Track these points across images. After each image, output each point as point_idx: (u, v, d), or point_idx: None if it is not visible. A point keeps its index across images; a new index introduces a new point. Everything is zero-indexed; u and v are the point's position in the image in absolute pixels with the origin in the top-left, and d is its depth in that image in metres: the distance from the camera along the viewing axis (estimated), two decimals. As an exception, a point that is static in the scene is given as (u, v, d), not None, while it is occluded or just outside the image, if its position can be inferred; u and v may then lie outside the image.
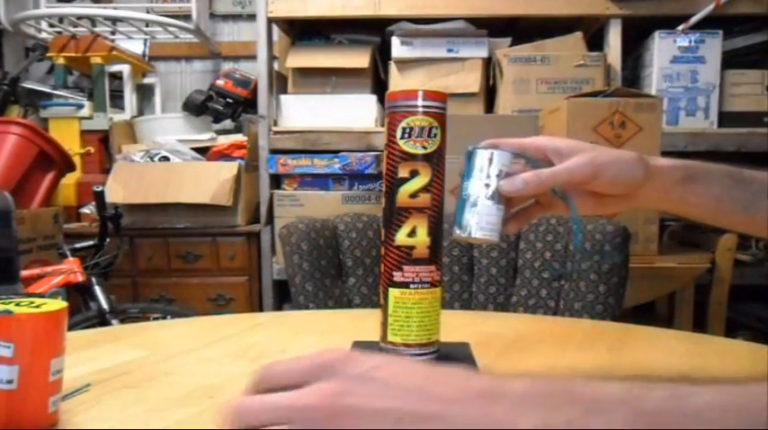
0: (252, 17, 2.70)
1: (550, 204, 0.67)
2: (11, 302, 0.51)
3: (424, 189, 0.64)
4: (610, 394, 0.36)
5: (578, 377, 0.38)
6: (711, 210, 0.64)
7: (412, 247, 0.65)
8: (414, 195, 0.65)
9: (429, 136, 0.64)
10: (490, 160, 0.62)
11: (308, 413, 0.35)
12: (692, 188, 0.63)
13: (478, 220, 0.62)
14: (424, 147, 0.64)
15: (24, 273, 1.72)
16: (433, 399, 0.35)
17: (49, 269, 1.86)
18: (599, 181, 0.62)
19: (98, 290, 1.88)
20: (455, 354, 0.70)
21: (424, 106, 0.64)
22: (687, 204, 0.64)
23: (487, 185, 0.62)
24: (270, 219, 2.28)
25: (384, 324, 0.67)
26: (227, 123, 2.83)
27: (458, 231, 0.63)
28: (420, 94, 0.65)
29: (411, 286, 0.65)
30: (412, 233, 0.65)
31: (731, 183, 0.64)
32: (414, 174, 0.64)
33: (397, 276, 0.65)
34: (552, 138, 0.65)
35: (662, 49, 2.19)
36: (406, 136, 0.64)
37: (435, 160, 0.65)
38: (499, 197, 0.62)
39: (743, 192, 0.63)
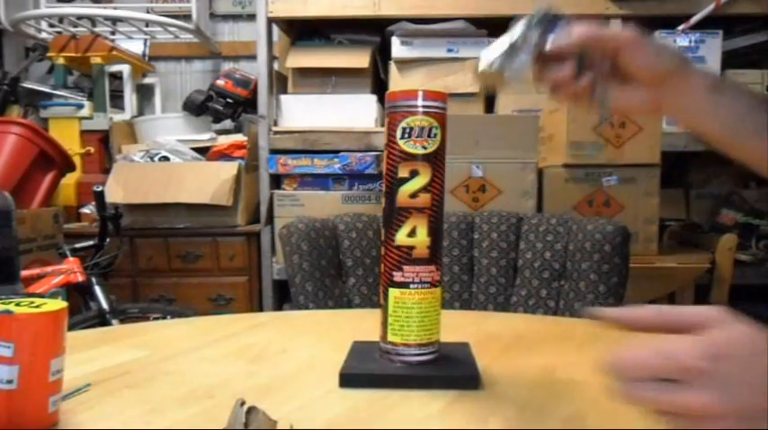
0: (252, 17, 2.70)
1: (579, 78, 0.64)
2: (11, 302, 0.51)
3: (424, 189, 0.64)
4: None
5: None
6: (730, 126, 0.63)
7: (412, 247, 0.65)
8: (414, 195, 0.65)
9: (429, 136, 0.64)
10: (548, 28, 0.63)
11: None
12: (717, 99, 0.62)
13: (513, 65, 0.62)
14: (424, 147, 0.64)
15: (24, 273, 1.72)
16: None
17: (49, 269, 1.86)
18: (637, 55, 0.61)
19: (98, 290, 1.88)
20: (455, 354, 0.70)
21: (423, 106, 0.64)
22: (709, 116, 0.63)
23: (537, 45, 0.62)
24: (270, 219, 2.28)
25: (384, 324, 0.67)
26: (227, 123, 2.83)
27: (483, 64, 0.64)
28: (420, 94, 0.65)
29: (411, 286, 0.65)
30: (412, 233, 0.65)
31: (754, 104, 0.62)
32: (414, 174, 0.64)
33: (397, 276, 0.65)
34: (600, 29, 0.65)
35: (662, 49, 2.19)
36: (406, 136, 0.64)
37: (435, 160, 0.65)
38: (532, 49, 0.62)
39: (762, 116, 0.62)
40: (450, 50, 2.25)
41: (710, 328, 0.43)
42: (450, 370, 0.65)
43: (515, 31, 0.62)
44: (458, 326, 0.88)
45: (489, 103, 2.30)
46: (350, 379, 0.64)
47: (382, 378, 0.64)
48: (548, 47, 0.62)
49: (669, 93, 0.62)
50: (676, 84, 0.62)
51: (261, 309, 2.30)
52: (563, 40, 0.62)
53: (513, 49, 0.62)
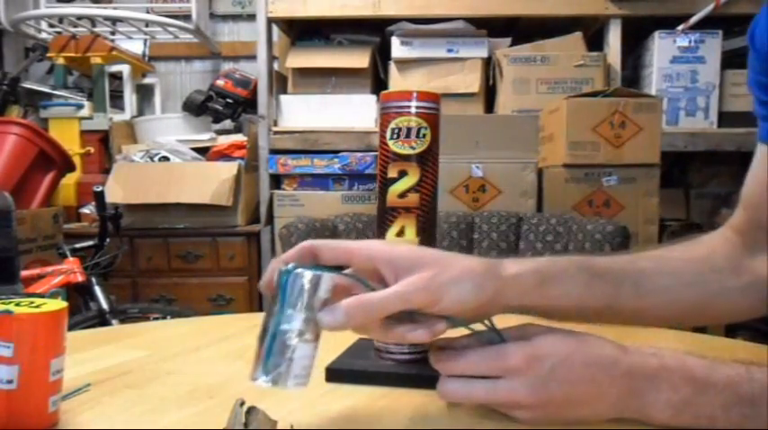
0: (252, 17, 2.70)
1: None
2: (11, 302, 0.51)
3: (413, 189, 0.65)
4: (718, 378, 0.47)
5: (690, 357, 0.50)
6: (572, 311, 0.57)
7: None
8: (402, 195, 0.65)
9: (418, 136, 0.64)
10: (315, 286, 0.48)
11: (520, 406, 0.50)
12: (547, 292, 0.55)
13: (294, 367, 0.48)
14: (413, 148, 0.64)
15: (24, 273, 1.72)
16: (606, 377, 0.49)
17: (49, 269, 1.86)
18: (440, 305, 0.51)
19: (98, 290, 1.88)
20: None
21: (413, 107, 0.64)
22: (545, 308, 0.56)
23: (308, 321, 0.48)
24: (270, 219, 2.28)
25: None
26: (227, 123, 2.83)
27: (261, 379, 0.48)
28: (410, 94, 0.65)
29: None
30: (401, 233, 0.65)
31: (587, 279, 0.57)
32: (402, 174, 0.65)
33: None
34: (388, 247, 0.54)
35: (662, 49, 2.19)
36: (395, 136, 0.65)
37: (425, 160, 0.65)
38: (315, 333, 0.49)
39: (603, 286, 0.57)
40: (450, 50, 2.25)
41: None
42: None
43: (282, 320, 0.48)
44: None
45: (489, 103, 2.30)
46: (335, 374, 0.65)
47: (367, 374, 0.65)
48: (324, 324, 0.49)
49: (495, 306, 0.53)
50: (501, 298, 0.53)
51: (261, 309, 2.29)
52: (336, 322, 0.49)
53: (288, 346, 0.48)
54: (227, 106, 2.65)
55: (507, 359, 0.49)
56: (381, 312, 0.50)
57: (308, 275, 0.48)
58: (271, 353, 0.48)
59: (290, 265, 0.49)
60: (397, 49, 2.25)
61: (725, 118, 2.20)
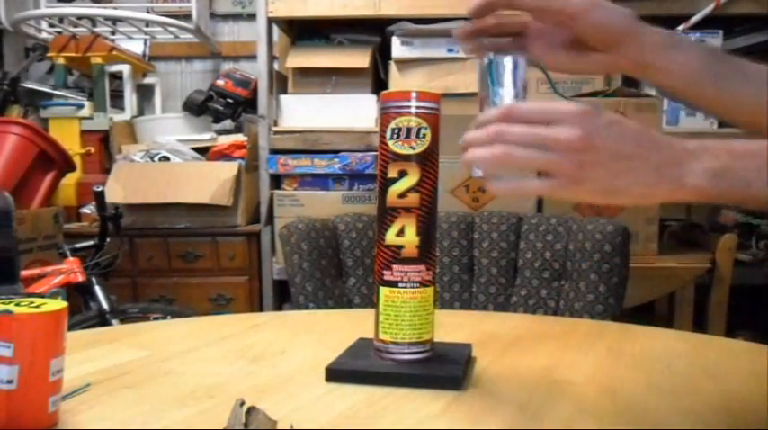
0: (252, 17, 2.70)
1: (525, 46, 0.65)
2: (11, 302, 0.51)
3: (413, 189, 0.65)
4: (755, 146, 0.51)
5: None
6: (687, 79, 0.63)
7: (401, 247, 0.65)
8: (402, 195, 0.65)
9: (418, 136, 0.64)
10: (515, 67, 0.60)
11: (566, 145, 0.50)
12: (672, 55, 0.62)
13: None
14: (413, 148, 0.64)
15: (24, 273, 1.72)
16: (651, 143, 0.52)
17: (49, 269, 1.86)
18: (588, 19, 0.60)
19: (98, 290, 1.88)
20: (450, 355, 0.70)
21: (413, 107, 0.64)
22: (665, 71, 0.63)
23: (516, 96, 0.60)
24: (270, 219, 2.28)
25: (376, 322, 0.67)
26: (227, 123, 2.83)
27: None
28: (410, 94, 0.65)
29: (400, 285, 0.65)
30: (401, 233, 0.65)
31: (708, 56, 0.63)
32: (402, 174, 0.65)
33: (387, 275, 0.66)
34: None
35: (662, 48, 2.19)
36: (395, 136, 0.65)
37: (425, 160, 0.65)
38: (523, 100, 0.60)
39: (719, 66, 0.63)
40: (450, 50, 2.25)
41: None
42: (436, 370, 0.65)
43: (500, 95, 0.60)
44: (458, 326, 0.88)
45: (489, 103, 2.30)
46: (335, 374, 0.65)
47: (366, 374, 0.65)
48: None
49: (624, 53, 0.62)
50: (630, 43, 0.61)
51: (261, 309, 2.30)
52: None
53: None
54: (227, 106, 2.65)
55: (567, 106, 0.52)
56: (555, 6, 0.60)
57: (509, 60, 0.60)
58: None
59: (491, 57, 0.60)
60: (398, 49, 2.25)
61: (725, 118, 2.20)
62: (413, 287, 0.65)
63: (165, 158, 2.45)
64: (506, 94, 0.59)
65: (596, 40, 0.62)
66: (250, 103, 2.59)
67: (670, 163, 0.51)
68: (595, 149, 0.50)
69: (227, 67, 2.99)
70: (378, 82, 2.38)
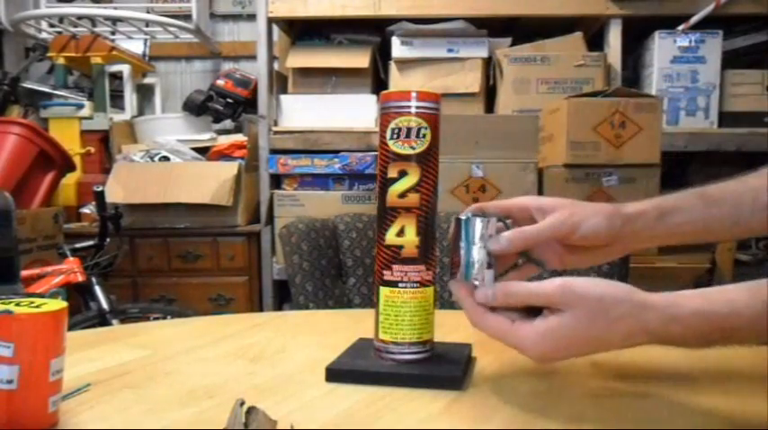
0: (252, 17, 2.70)
1: (528, 269, 0.69)
2: (11, 302, 0.51)
3: (413, 189, 0.65)
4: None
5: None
6: (701, 232, 0.67)
7: (400, 247, 0.65)
8: (402, 195, 0.65)
9: (418, 136, 0.64)
10: (487, 227, 0.63)
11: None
12: (671, 221, 0.65)
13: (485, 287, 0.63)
14: (413, 148, 0.64)
15: (24, 273, 1.72)
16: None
17: (49, 269, 1.86)
18: (578, 235, 0.64)
19: (98, 290, 1.88)
20: (450, 355, 0.70)
21: (413, 107, 0.64)
22: (674, 235, 0.67)
23: (488, 254, 0.62)
24: (270, 219, 2.28)
25: (376, 321, 0.67)
26: (227, 123, 2.83)
27: None
28: (410, 94, 0.65)
29: (400, 285, 0.65)
30: (401, 233, 0.65)
31: (703, 205, 0.66)
32: (402, 174, 0.65)
33: (387, 275, 0.66)
34: (536, 197, 0.68)
35: (662, 48, 2.19)
36: (395, 136, 0.64)
37: (425, 160, 0.65)
38: (494, 261, 0.63)
39: (721, 209, 0.65)
40: (450, 50, 2.25)
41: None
42: (435, 370, 0.65)
43: (472, 254, 0.63)
44: (458, 326, 0.88)
45: (489, 103, 2.30)
46: (335, 374, 0.65)
47: (366, 374, 0.65)
48: (492, 249, 0.63)
49: (625, 241, 0.66)
50: (628, 233, 0.65)
51: (261, 309, 2.30)
52: (500, 248, 0.63)
53: (478, 274, 0.62)
54: (227, 106, 2.65)
55: (524, 335, 0.57)
56: (534, 239, 0.64)
57: (480, 220, 0.63)
58: (468, 277, 0.63)
59: (466, 215, 0.64)
60: (398, 49, 2.25)
61: (725, 118, 2.20)
62: (413, 287, 0.65)
63: (165, 158, 2.45)
64: (476, 252, 0.62)
65: (595, 244, 0.67)
66: (250, 103, 2.59)
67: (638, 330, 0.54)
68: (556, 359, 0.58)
69: (227, 67, 2.99)
70: (378, 82, 2.38)
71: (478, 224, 0.63)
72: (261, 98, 2.31)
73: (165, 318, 1.91)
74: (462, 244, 0.63)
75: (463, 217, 0.64)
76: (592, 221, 0.64)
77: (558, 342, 0.56)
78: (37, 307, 0.51)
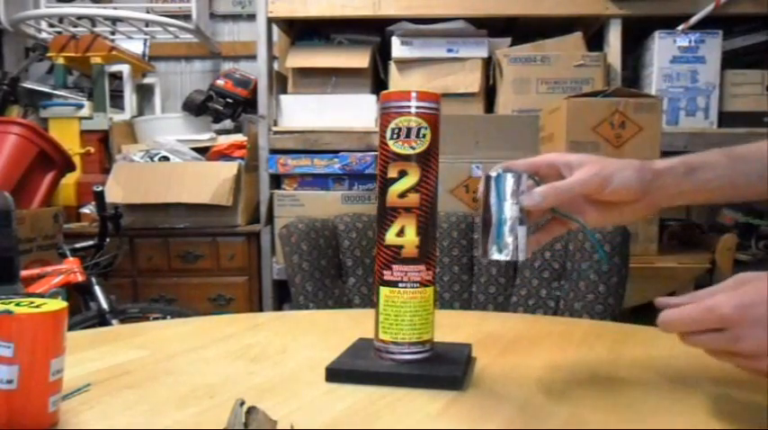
0: (252, 17, 2.70)
1: (564, 222, 0.68)
2: (11, 302, 0.51)
3: (413, 189, 0.65)
4: None
5: None
6: (728, 188, 0.67)
7: (400, 247, 0.65)
8: (402, 195, 0.65)
9: (418, 136, 0.64)
10: (518, 183, 0.63)
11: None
12: (699, 176, 0.65)
13: (518, 244, 0.63)
14: (413, 148, 0.64)
15: (24, 273, 1.72)
16: None
17: (49, 269, 1.86)
18: (609, 189, 0.64)
19: (98, 290, 1.88)
20: (450, 355, 0.70)
21: (413, 107, 0.64)
22: (702, 192, 0.67)
23: (520, 209, 0.63)
24: (270, 219, 2.28)
25: (376, 321, 0.67)
26: (227, 123, 2.83)
27: (497, 254, 0.63)
28: (410, 94, 0.65)
29: (400, 285, 0.65)
30: (401, 233, 0.65)
31: (730, 161, 0.66)
32: (402, 174, 0.65)
33: (387, 275, 0.66)
34: (562, 154, 0.67)
35: (662, 48, 2.19)
36: (395, 136, 0.65)
37: (425, 160, 0.65)
38: (526, 217, 0.63)
39: (748, 165, 0.66)
40: (450, 50, 2.25)
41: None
42: (436, 370, 0.65)
43: (504, 210, 0.63)
44: (458, 326, 0.88)
45: (489, 103, 2.30)
46: (335, 374, 0.65)
47: (366, 374, 0.65)
48: (525, 204, 0.63)
49: (654, 197, 0.66)
50: (657, 188, 0.65)
51: (261, 309, 2.30)
52: (534, 203, 0.63)
53: (512, 229, 0.63)
54: (227, 106, 2.65)
55: (718, 310, 0.52)
56: (567, 194, 0.64)
57: (512, 175, 0.63)
58: (500, 235, 0.63)
59: (497, 171, 0.64)
60: (397, 49, 2.25)
61: (725, 118, 2.20)
62: (413, 287, 0.65)
63: (165, 158, 2.45)
64: (508, 209, 0.63)
65: (625, 199, 0.66)
66: (250, 103, 2.59)
67: None
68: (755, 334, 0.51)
69: (226, 67, 2.99)
70: (378, 82, 2.38)
71: (510, 180, 0.63)
72: (261, 98, 2.31)
73: (164, 317, 1.91)
74: (494, 201, 0.63)
75: (494, 173, 0.64)
76: (623, 174, 0.64)
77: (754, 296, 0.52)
78: (37, 307, 0.51)
